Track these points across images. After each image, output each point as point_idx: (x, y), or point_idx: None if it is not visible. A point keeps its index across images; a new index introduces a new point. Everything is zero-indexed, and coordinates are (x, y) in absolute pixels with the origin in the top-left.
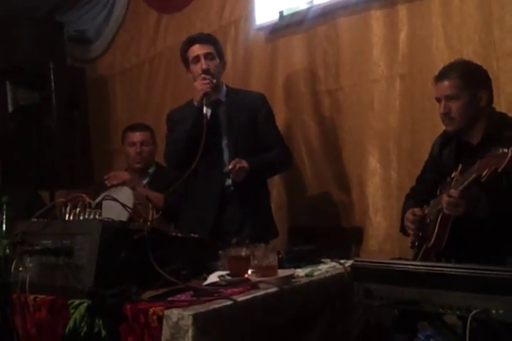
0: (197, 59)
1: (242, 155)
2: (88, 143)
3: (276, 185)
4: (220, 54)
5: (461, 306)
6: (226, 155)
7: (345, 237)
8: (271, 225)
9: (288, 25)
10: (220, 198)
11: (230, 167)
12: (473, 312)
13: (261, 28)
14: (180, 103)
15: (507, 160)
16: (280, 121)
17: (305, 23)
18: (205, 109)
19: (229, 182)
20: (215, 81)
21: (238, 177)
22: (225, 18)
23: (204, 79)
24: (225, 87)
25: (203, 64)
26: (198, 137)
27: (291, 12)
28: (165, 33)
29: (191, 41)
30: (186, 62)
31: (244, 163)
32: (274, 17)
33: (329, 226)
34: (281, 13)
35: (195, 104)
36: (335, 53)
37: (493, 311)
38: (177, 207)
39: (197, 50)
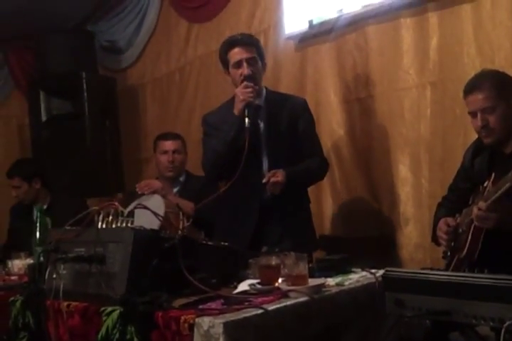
0: (239, 64)
1: (282, 166)
2: (119, 152)
3: None
4: (261, 56)
5: (494, 317)
6: (265, 166)
7: (375, 247)
8: (312, 237)
9: (317, 34)
10: (258, 210)
11: (265, 180)
12: (507, 323)
13: (290, 37)
14: None
15: None
16: None
17: (334, 31)
18: (246, 121)
19: (268, 194)
20: (257, 87)
21: (274, 190)
22: (255, 27)
23: (246, 87)
24: (264, 91)
25: (246, 70)
26: (239, 149)
27: (320, 21)
28: (195, 43)
29: (232, 43)
30: (226, 64)
31: (280, 176)
32: (303, 26)
33: (360, 236)
34: (310, 22)
35: (236, 113)
36: (364, 61)
37: None
38: (208, 215)
39: (239, 54)
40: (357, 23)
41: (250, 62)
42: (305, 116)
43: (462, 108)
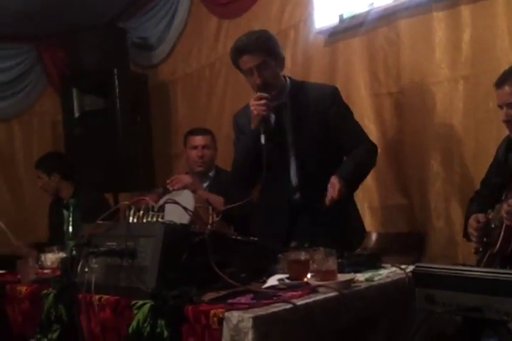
0: (250, 72)
1: (312, 165)
2: (150, 147)
3: None
4: (274, 54)
5: None
6: (293, 167)
7: (406, 242)
8: (352, 234)
9: (347, 28)
10: (289, 212)
11: (327, 202)
12: None
13: (320, 32)
14: (239, 107)
15: None
16: None
17: (365, 25)
18: (262, 138)
19: (297, 195)
20: (269, 97)
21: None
22: (285, 22)
23: (259, 98)
24: (289, 84)
25: (257, 79)
26: (258, 160)
27: (350, 15)
28: (225, 39)
29: (240, 51)
30: (240, 70)
31: (337, 189)
32: (333, 20)
33: (390, 231)
34: (340, 16)
35: (252, 127)
36: (395, 55)
37: None
38: (237, 210)
39: (247, 62)
40: (388, 16)
41: (261, 67)
42: (335, 106)
43: (495, 102)
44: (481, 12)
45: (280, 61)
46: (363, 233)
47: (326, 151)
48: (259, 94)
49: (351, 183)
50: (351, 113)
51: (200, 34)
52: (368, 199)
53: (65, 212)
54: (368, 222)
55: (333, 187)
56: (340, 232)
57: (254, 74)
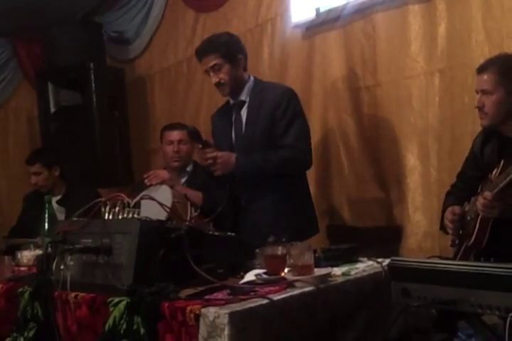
0: (208, 73)
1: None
2: (128, 142)
3: (314, 183)
4: (229, 57)
5: (500, 306)
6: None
7: (384, 235)
8: (304, 224)
9: (324, 22)
10: (233, 209)
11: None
12: None
13: (297, 26)
14: (217, 102)
15: None
16: (317, 118)
17: (341, 19)
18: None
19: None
20: (227, 91)
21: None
22: (262, 16)
23: (205, 157)
24: (251, 83)
25: (212, 79)
26: None
27: (327, 9)
28: (202, 32)
29: (197, 55)
30: None
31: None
32: (310, 14)
33: (368, 225)
34: (317, 9)
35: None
36: (372, 49)
37: None
38: (215, 205)
39: (204, 64)
40: (364, 10)
41: (214, 69)
42: (281, 107)
43: (471, 95)
44: (456, 5)
45: (238, 62)
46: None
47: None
48: (206, 153)
49: (241, 174)
50: (299, 116)
51: (177, 28)
52: (346, 192)
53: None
54: (346, 215)
55: (223, 167)
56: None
57: (210, 75)
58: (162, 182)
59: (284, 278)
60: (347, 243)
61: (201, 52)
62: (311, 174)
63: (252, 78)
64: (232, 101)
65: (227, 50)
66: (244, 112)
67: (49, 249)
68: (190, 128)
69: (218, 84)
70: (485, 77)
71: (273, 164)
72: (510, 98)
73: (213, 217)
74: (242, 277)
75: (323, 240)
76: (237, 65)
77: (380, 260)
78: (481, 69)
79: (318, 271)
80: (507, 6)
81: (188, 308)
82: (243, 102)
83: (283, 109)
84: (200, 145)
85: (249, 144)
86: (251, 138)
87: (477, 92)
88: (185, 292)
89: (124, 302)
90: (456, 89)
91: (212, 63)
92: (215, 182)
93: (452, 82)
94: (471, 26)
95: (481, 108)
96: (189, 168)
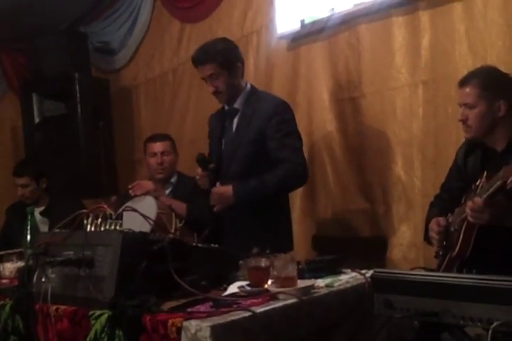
0: (205, 81)
1: (240, 173)
2: (113, 153)
3: (299, 195)
4: (227, 65)
5: (482, 318)
6: (232, 173)
7: (369, 247)
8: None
9: (309, 33)
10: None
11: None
12: (495, 324)
13: (282, 37)
14: (203, 113)
15: None
16: (302, 129)
17: (326, 30)
18: None
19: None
20: (210, 174)
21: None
22: (247, 27)
23: (202, 176)
24: (247, 92)
25: (209, 87)
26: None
27: (312, 20)
28: (188, 43)
29: (194, 63)
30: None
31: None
32: (295, 25)
33: (353, 236)
34: (302, 21)
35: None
36: (356, 60)
37: None
38: (200, 216)
39: (200, 72)
40: (348, 21)
41: (212, 78)
42: (273, 120)
43: (454, 107)
44: (439, 17)
45: (235, 70)
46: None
47: (262, 159)
48: (201, 174)
49: (244, 202)
50: (291, 129)
51: (163, 38)
52: (331, 203)
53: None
54: (331, 226)
55: (222, 202)
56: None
57: (207, 83)
58: (147, 193)
59: (267, 290)
60: (332, 254)
61: (198, 61)
62: None
63: (248, 86)
64: (226, 107)
65: (224, 58)
66: (235, 121)
67: (30, 261)
68: (199, 156)
69: (215, 93)
70: (467, 90)
71: (272, 185)
72: (493, 110)
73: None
74: (226, 289)
75: (308, 251)
76: (235, 72)
77: (363, 271)
78: (463, 83)
79: (302, 283)
80: (490, 17)
81: (170, 321)
82: (237, 110)
83: (276, 123)
84: (202, 170)
85: (234, 154)
86: (238, 148)
87: (460, 106)
88: (168, 304)
89: (106, 316)
90: (439, 101)
91: (209, 73)
92: (203, 193)
93: (436, 93)
94: (454, 38)
95: (464, 121)
96: (173, 179)
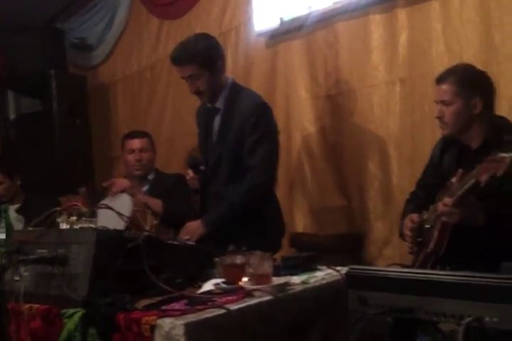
0: (185, 80)
1: (226, 172)
2: (89, 150)
3: (277, 192)
4: (207, 65)
5: (454, 314)
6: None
7: (346, 243)
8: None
9: (288, 31)
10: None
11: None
12: (467, 320)
13: (261, 34)
14: (181, 110)
15: (506, 164)
16: (280, 126)
17: (304, 28)
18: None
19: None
20: (206, 98)
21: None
22: (226, 24)
23: (192, 178)
24: (228, 89)
25: (190, 88)
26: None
27: (290, 18)
28: (166, 40)
29: (173, 63)
30: None
31: (194, 236)
32: (274, 23)
33: (330, 233)
34: (281, 18)
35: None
36: (334, 58)
37: (487, 319)
38: (177, 213)
39: (179, 72)
40: (327, 19)
41: (192, 78)
42: (250, 121)
43: (430, 104)
44: (416, 16)
45: (217, 69)
46: (279, 234)
47: (238, 161)
48: (190, 174)
49: (215, 228)
50: (269, 135)
51: (141, 35)
52: (309, 201)
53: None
54: (308, 223)
55: (191, 232)
56: (255, 234)
57: (187, 83)
58: (123, 191)
59: (242, 288)
60: (309, 251)
61: (177, 61)
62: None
63: (229, 82)
64: (209, 105)
65: (205, 58)
66: (217, 120)
67: (3, 260)
68: (190, 161)
69: (196, 93)
70: (444, 87)
71: (238, 206)
72: (469, 108)
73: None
74: (201, 287)
75: (286, 248)
76: (216, 71)
77: (338, 268)
78: (440, 80)
79: (277, 280)
80: (466, 16)
81: (144, 319)
82: (218, 110)
83: (252, 125)
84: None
85: (220, 154)
86: (222, 149)
87: (437, 103)
88: (143, 302)
89: (79, 314)
90: (416, 98)
91: (189, 73)
92: (192, 192)
93: (413, 90)
94: (431, 36)
95: (440, 118)
96: (151, 177)
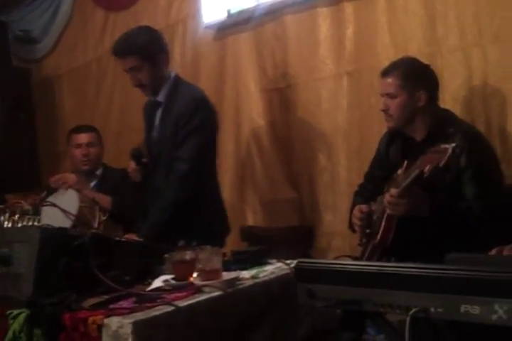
0: (127, 73)
1: (166, 166)
2: (35, 145)
3: (227, 185)
4: (149, 57)
5: (401, 305)
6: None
7: (297, 236)
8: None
9: (236, 24)
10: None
11: None
12: (413, 310)
13: (209, 27)
14: (129, 103)
15: (448, 155)
16: (230, 120)
17: (252, 20)
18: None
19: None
20: (148, 91)
21: None
22: (173, 16)
23: (134, 170)
24: (170, 83)
25: (132, 81)
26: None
27: (238, 10)
28: (112, 32)
29: (114, 55)
30: None
31: None
32: (221, 15)
33: (281, 226)
34: (228, 11)
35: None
36: (283, 51)
37: (432, 309)
38: (126, 209)
39: (122, 64)
40: (274, 12)
41: (133, 71)
42: (184, 117)
43: (377, 97)
44: (363, 9)
45: (159, 61)
46: (223, 234)
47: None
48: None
49: (152, 237)
50: (200, 131)
51: (86, 27)
52: (259, 193)
53: None
54: (259, 216)
55: None
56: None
57: (129, 75)
58: (69, 187)
59: (191, 284)
60: (260, 245)
61: (120, 53)
62: (224, 176)
63: (172, 76)
64: (153, 99)
65: (147, 50)
66: (159, 114)
67: None
68: (134, 151)
69: (138, 86)
70: (389, 80)
71: (169, 209)
72: (413, 100)
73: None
74: (150, 284)
75: (237, 242)
76: (158, 64)
77: (288, 262)
78: (385, 73)
79: (227, 275)
80: (411, 9)
81: (90, 319)
82: (160, 103)
83: (186, 119)
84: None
85: (160, 149)
86: (162, 142)
87: (382, 96)
88: (90, 301)
89: (24, 315)
90: (363, 91)
91: (131, 65)
92: (133, 186)
93: (360, 84)
94: (377, 29)
95: (386, 111)
96: (99, 172)
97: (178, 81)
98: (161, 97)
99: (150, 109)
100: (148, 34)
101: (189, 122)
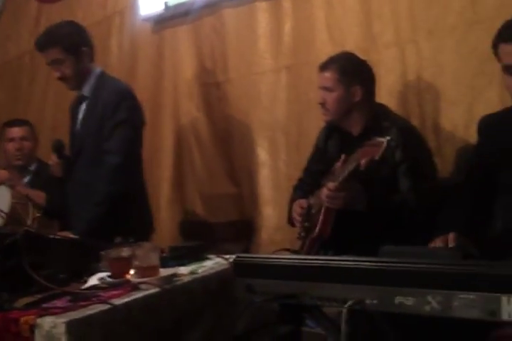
0: (50, 66)
1: (89, 160)
2: None
3: (167, 179)
4: (71, 50)
5: (337, 298)
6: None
7: (237, 230)
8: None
9: (174, 16)
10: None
11: None
12: (349, 303)
13: (146, 19)
14: (64, 97)
15: (383, 148)
16: (169, 114)
17: (191, 14)
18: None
19: None
20: (73, 84)
21: None
22: (109, 8)
23: (56, 163)
24: (95, 77)
25: (54, 73)
26: None
27: (176, 3)
28: (46, 24)
29: (37, 48)
30: None
31: None
32: (159, 7)
33: (221, 220)
34: (166, 3)
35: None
36: (222, 45)
37: (368, 301)
38: (60, 205)
39: (45, 58)
40: (213, 5)
41: (55, 64)
42: (110, 109)
43: (315, 92)
44: (301, 4)
45: (81, 54)
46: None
47: (100, 148)
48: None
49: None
50: (126, 118)
51: (19, 19)
52: (199, 188)
53: None
54: (200, 211)
55: None
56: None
57: (52, 68)
58: (1, 183)
59: (128, 281)
60: (199, 240)
61: (41, 45)
62: (164, 170)
63: (97, 71)
64: (79, 93)
65: (69, 42)
66: (83, 108)
67: None
68: (55, 143)
69: (61, 79)
70: (326, 74)
71: (104, 204)
72: (350, 95)
73: None
74: (86, 282)
75: (176, 237)
76: (81, 57)
77: (227, 257)
78: (323, 68)
79: (165, 272)
80: (348, 4)
81: (22, 319)
82: (84, 98)
83: (111, 111)
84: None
85: (81, 145)
86: (85, 136)
87: (319, 89)
88: (23, 301)
89: None
90: (301, 86)
91: (53, 58)
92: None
93: (298, 78)
94: (314, 25)
95: (323, 104)
96: (32, 167)
97: (104, 76)
98: (85, 91)
99: (74, 103)
100: (71, 27)
101: (115, 114)
